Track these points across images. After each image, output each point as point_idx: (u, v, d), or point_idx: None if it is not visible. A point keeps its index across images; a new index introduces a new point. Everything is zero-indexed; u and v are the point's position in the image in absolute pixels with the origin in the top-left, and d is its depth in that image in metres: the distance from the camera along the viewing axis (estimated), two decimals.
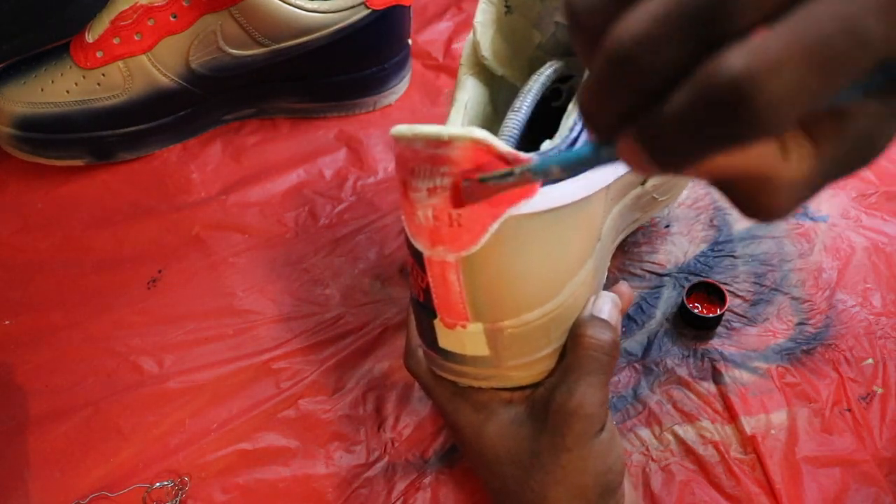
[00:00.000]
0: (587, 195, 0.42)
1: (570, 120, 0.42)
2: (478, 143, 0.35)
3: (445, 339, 0.41)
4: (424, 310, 0.41)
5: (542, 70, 0.47)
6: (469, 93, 0.47)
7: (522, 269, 0.39)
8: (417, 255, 0.39)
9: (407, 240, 0.39)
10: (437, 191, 0.36)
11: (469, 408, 0.44)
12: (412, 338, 0.46)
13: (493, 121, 0.49)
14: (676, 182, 0.58)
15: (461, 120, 0.45)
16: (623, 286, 0.46)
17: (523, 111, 0.44)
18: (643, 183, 0.53)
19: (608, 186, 0.45)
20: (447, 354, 0.42)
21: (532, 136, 0.44)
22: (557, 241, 0.40)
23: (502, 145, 0.35)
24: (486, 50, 0.47)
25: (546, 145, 0.40)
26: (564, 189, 0.40)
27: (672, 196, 0.59)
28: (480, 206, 0.36)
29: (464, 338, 0.40)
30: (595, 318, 0.42)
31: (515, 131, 0.43)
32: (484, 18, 0.47)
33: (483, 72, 0.48)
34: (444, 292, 0.39)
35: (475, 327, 0.40)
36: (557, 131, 0.42)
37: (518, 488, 0.42)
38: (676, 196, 0.60)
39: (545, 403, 0.41)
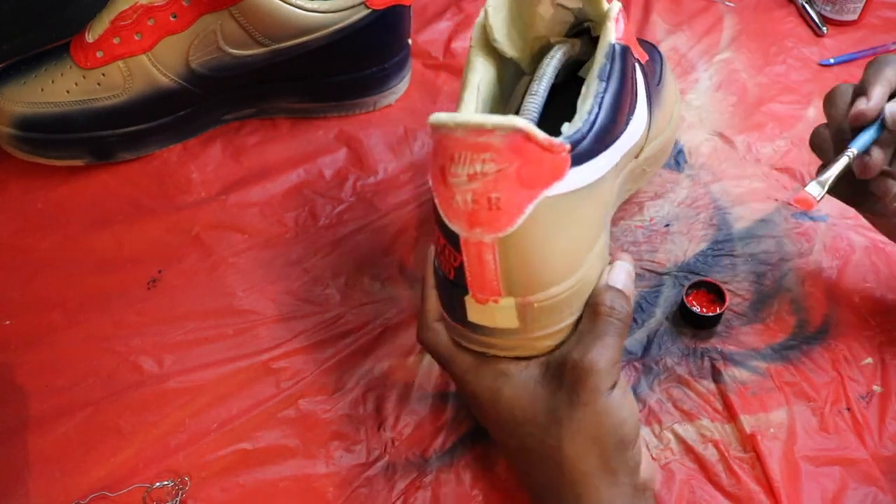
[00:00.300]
0: (604, 174, 0.44)
1: (588, 104, 0.44)
2: (519, 132, 0.37)
3: (476, 313, 0.43)
4: (455, 287, 0.43)
5: (552, 53, 0.49)
6: (480, 74, 0.48)
7: (552, 247, 0.41)
8: (452, 237, 0.41)
9: (439, 222, 0.42)
10: (477, 176, 0.38)
11: (488, 373, 0.45)
12: (428, 312, 0.48)
13: (499, 101, 0.51)
14: (662, 153, 0.60)
15: (475, 101, 0.47)
16: (624, 256, 0.48)
17: (540, 94, 0.46)
18: (637, 156, 0.54)
19: (617, 163, 0.47)
20: (476, 328, 0.44)
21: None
22: (580, 218, 0.43)
23: (541, 133, 0.38)
24: (499, 32, 0.49)
25: (566, 128, 0.42)
26: (588, 169, 0.42)
27: (655, 167, 0.61)
28: (517, 189, 0.38)
29: (495, 312, 0.43)
30: (611, 288, 0.45)
31: (535, 115, 0.45)
32: (495, 2, 0.49)
33: (492, 53, 0.49)
34: (479, 271, 0.41)
35: (507, 302, 0.42)
36: (576, 113, 0.44)
37: (536, 445, 0.44)
38: (658, 167, 0.62)
39: (560, 365, 0.44)
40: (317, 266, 0.62)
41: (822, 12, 0.77)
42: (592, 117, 0.43)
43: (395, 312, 0.59)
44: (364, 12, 0.65)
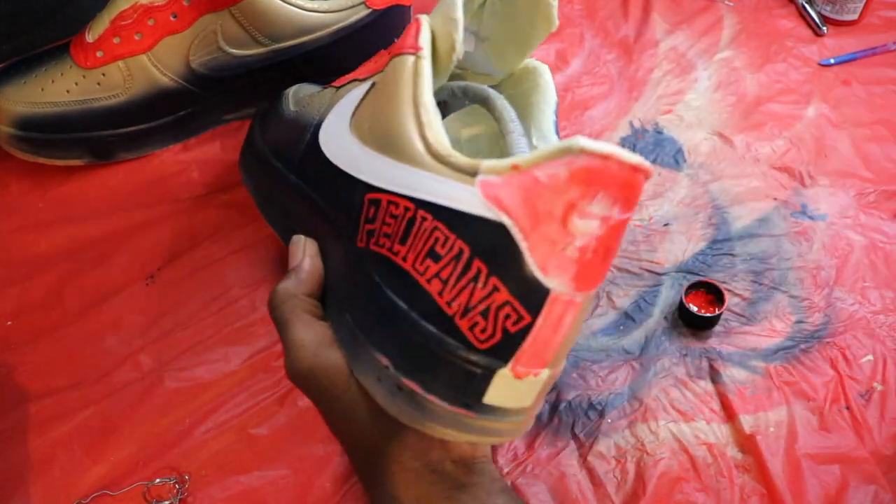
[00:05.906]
0: None
1: None
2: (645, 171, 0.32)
3: (500, 392, 0.35)
4: (486, 358, 0.34)
5: (490, 95, 0.44)
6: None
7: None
8: (532, 294, 0.33)
9: (508, 276, 0.33)
10: (609, 221, 0.32)
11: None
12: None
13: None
14: None
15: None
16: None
17: (524, 136, 0.41)
18: None
19: None
20: (487, 410, 0.35)
21: None
22: None
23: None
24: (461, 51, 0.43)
25: None
26: None
27: None
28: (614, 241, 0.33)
29: (523, 388, 0.35)
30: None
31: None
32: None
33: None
34: (548, 336, 0.34)
35: (544, 374, 0.35)
36: None
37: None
38: None
39: None
40: None
41: (822, 12, 0.77)
42: None
43: None
44: (364, 12, 0.65)
